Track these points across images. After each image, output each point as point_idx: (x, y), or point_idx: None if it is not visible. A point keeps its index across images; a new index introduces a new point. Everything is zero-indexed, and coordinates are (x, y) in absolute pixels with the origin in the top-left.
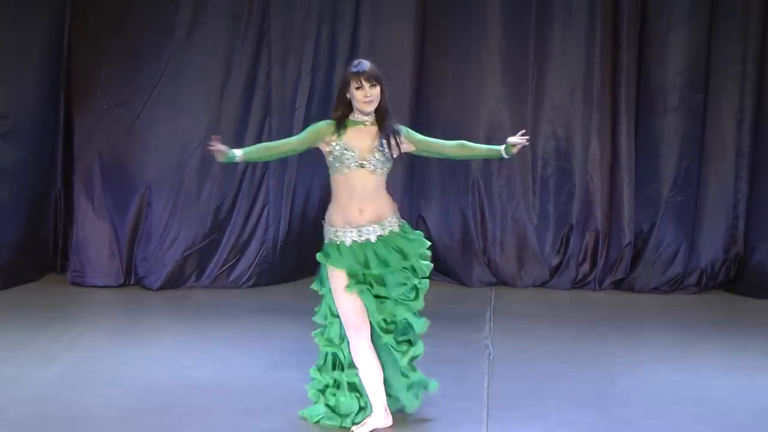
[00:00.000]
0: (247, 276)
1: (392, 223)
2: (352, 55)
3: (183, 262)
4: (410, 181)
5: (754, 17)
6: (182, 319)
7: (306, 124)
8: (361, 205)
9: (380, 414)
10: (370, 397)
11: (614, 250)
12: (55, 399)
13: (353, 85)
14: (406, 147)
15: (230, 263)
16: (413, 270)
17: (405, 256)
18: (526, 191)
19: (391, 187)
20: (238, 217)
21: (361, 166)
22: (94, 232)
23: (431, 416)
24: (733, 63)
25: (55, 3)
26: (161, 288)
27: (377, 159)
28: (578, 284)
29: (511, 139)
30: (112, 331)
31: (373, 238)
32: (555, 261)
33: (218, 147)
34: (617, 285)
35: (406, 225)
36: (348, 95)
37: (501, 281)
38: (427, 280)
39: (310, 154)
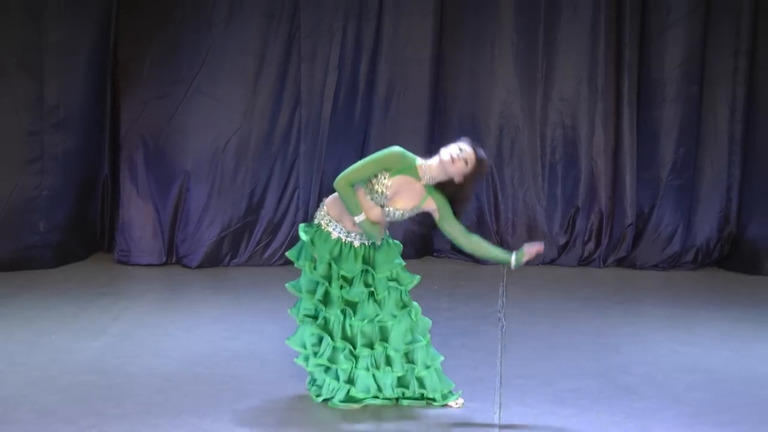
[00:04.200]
0: (279, 255)
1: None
2: (377, 49)
3: (219, 242)
4: None
5: (746, 16)
6: (219, 294)
7: (333, 115)
8: None
9: None
10: None
11: (617, 230)
12: (103, 368)
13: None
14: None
15: (263, 243)
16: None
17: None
18: (536, 176)
19: None
20: (270, 200)
21: (381, 206)
22: (138, 215)
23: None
24: (727, 57)
25: (103, 0)
26: (199, 266)
27: (397, 214)
28: (584, 262)
29: (528, 247)
30: (155, 305)
31: (356, 244)
32: (562, 240)
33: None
34: (620, 262)
35: (389, 239)
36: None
37: None
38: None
39: (337, 140)
